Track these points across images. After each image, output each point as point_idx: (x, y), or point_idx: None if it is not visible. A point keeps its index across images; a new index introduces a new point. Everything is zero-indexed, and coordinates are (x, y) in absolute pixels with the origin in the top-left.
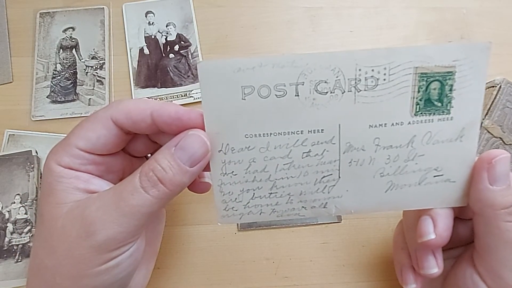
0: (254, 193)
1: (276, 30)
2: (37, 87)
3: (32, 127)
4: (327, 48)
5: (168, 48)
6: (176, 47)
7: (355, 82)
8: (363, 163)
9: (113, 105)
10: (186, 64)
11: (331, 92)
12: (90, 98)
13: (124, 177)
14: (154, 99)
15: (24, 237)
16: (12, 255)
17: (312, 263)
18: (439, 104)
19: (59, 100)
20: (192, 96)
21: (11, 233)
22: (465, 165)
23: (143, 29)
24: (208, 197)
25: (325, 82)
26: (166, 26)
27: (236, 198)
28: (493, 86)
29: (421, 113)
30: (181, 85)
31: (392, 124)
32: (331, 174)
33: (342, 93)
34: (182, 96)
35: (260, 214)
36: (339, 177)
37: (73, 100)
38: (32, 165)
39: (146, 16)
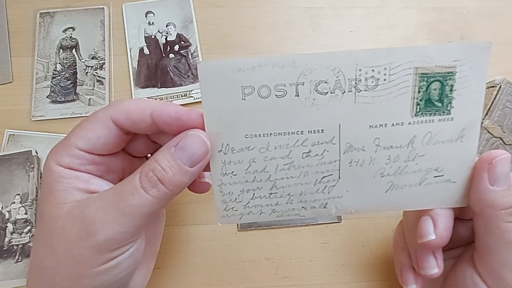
0: (254, 193)
1: (276, 30)
2: (37, 87)
3: (32, 127)
4: (327, 48)
5: (168, 48)
6: (176, 47)
7: (355, 82)
8: (363, 164)
9: (113, 105)
10: (186, 64)
11: (331, 92)
12: (90, 98)
13: (124, 177)
14: (154, 99)
15: (24, 237)
16: (12, 255)
17: (312, 263)
18: (440, 105)
19: (59, 100)
20: (192, 96)
21: (11, 233)
22: (465, 166)
23: (143, 29)
24: (208, 197)
25: (325, 82)
26: (166, 26)
27: (236, 198)
28: (493, 86)
29: (422, 114)
30: (181, 85)
31: (393, 125)
32: (331, 174)
33: (342, 93)
34: (182, 96)
35: (260, 214)
36: (339, 177)
37: (73, 100)
38: (32, 165)
39: (146, 16)
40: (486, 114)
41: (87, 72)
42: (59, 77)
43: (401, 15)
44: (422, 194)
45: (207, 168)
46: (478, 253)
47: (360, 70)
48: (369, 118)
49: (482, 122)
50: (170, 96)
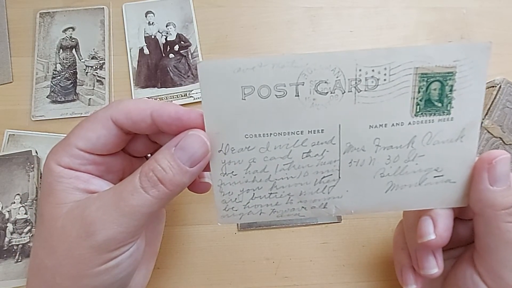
0: (254, 193)
1: (276, 30)
2: (37, 87)
3: (32, 127)
4: (327, 48)
5: (168, 48)
6: (176, 47)
7: (355, 82)
8: (363, 164)
9: (113, 105)
10: (186, 64)
11: (331, 92)
12: (90, 98)
13: (124, 177)
14: (154, 99)
15: (24, 237)
16: (12, 255)
17: (312, 263)
18: (440, 105)
19: (59, 100)
20: (192, 96)
21: (11, 233)
22: (465, 166)
23: (143, 29)
24: (208, 197)
25: (325, 82)
26: (166, 26)
27: (236, 198)
28: (493, 86)
29: (422, 114)
30: (181, 85)
31: (393, 125)
32: (331, 175)
33: (342, 93)
34: (182, 96)
35: (260, 214)
36: (339, 177)
37: (73, 100)
38: (32, 165)
39: (146, 16)
40: (486, 114)
41: (87, 72)
42: (59, 77)
43: (401, 15)
44: (422, 194)
45: (207, 168)
46: (478, 253)
47: (360, 70)
48: (369, 118)
49: (482, 122)
50: (170, 96)
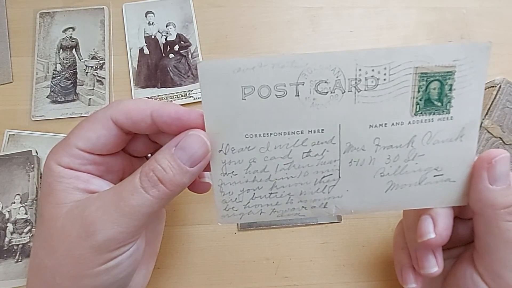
0: (254, 193)
1: (276, 30)
2: (37, 87)
3: (32, 127)
4: (327, 48)
5: (168, 48)
6: (176, 47)
7: (355, 82)
8: (363, 163)
9: (113, 105)
10: (186, 64)
11: (331, 92)
12: (90, 98)
13: (124, 177)
14: (154, 99)
15: (24, 237)
16: (12, 255)
17: (312, 263)
18: (439, 104)
19: (59, 100)
20: (192, 96)
21: (11, 233)
22: (465, 165)
23: (143, 29)
24: (208, 197)
25: (325, 82)
26: (166, 26)
27: (236, 198)
28: (493, 86)
29: (421, 113)
30: (181, 85)
31: (392, 124)
32: (331, 174)
33: (342, 93)
34: (182, 96)
35: (260, 214)
36: (339, 177)
37: (73, 100)
38: (32, 165)
39: (146, 16)
40: (486, 114)
41: (87, 72)
42: (59, 77)
43: (401, 15)
44: (422, 193)
45: (207, 168)
46: (478, 253)
47: (360, 70)
48: (369, 118)
49: (482, 122)
50: (170, 96)
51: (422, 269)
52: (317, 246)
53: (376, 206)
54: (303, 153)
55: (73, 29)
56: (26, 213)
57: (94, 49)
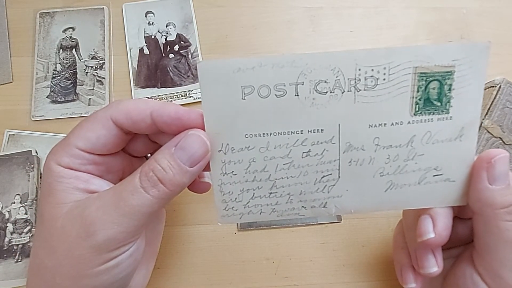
0: (254, 193)
1: (276, 30)
2: (37, 87)
3: (32, 127)
4: (327, 48)
5: (168, 48)
6: (176, 47)
7: (355, 82)
8: (363, 163)
9: (113, 105)
10: (186, 64)
11: (331, 92)
12: (90, 98)
13: (124, 177)
14: (154, 99)
15: (24, 237)
16: (12, 255)
17: (312, 263)
18: (438, 104)
19: (59, 100)
20: (192, 96)
21: (11, 233)
22: (464, 165)
23: (143, 29)
24: (208, 197)
25: (325, 82)
26: (166, 26)
27: (236, 198)
28: (493, 86)
29: (421, 113)
30: (181, 85)
31: (392, 124)
32: (331, 174)
33: (342, 93)
34: (182, 96)
35: (260, 214)
36: (339, 176)
37: (73, 100)
38: (32, 165)
39: (146, 16)
40: (486, 114)
41: (87, 72)
42: (59, 77)
43: (401, 15)
44: (422, 193)
45: (207, 168)
46: (478, 252)
47: (359, 69)
48: (368, 118)
49: (482, 122)
50: (170, 96)
51: (421, 269)
52: (317, 246)
53: (376, 206)
54: (303, 152)
55: (73, 29)
56: (26, 213)
57: (94, 49)
